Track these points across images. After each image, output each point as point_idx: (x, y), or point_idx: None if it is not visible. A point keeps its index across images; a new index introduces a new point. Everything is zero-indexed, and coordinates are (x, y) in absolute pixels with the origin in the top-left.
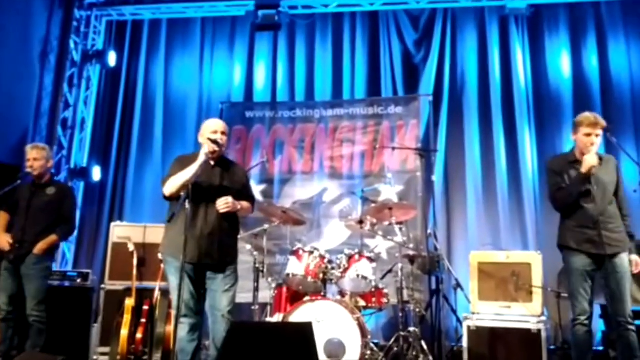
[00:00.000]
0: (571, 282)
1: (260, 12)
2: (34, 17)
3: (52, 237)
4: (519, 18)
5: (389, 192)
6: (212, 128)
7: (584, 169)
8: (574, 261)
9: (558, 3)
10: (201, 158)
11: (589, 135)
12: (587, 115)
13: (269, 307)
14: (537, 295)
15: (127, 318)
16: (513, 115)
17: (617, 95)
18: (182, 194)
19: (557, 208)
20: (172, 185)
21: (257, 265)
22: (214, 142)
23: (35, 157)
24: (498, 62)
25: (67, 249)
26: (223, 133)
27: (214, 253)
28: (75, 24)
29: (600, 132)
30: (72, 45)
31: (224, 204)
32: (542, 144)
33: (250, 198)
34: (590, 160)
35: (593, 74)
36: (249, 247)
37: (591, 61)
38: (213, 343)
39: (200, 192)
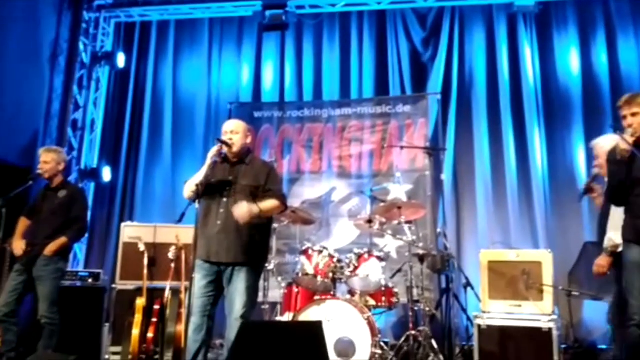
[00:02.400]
0: (625, 277)
1: (268, 12)
2: (43, 20)
3: (62, 239)
4: (527, 15)
5: (397, 191)
6: (223, 129)
7: (619, 155)
8: (628, 253)
9: (566, 0)
10: (208, 159)
11: (624, 117)
12: (624, 96)
13: (279, 306)
14: (548, 293)
15: (138, 318)
16: (522, 113)
17: (627, 92)
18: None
19: (611, 202)
20: (187, 187)
21: (267, 265)
22: (223, 142)
23: (45, 161)
24: (506, 60)
25: (79, 249)
26: (232, 132)
27: (223, 251)
28: (84, 25)
29: (634, 109)
30: (81, 47)
31: (238, 214)
32: (551, 142)
33: (274, 193)
34: (622, 145)
35: (603, 71)
36: None
37: (600, 58)
38: (227, 345)
39: (213, 191)
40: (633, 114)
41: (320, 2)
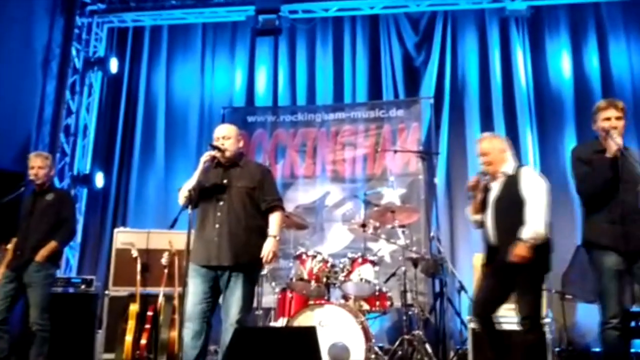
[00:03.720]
0: (602, 283)
1: (261, 17)
2: (35, 24)
3: (52, 244)
4: (519, 19)
5: (391, 195)
6: (215, 134)
7: (609, 152)
8: (605, 260)
9: (558, 4)
10: (200, 165)
11: (608, 119)
12: (601, 100)
13: (272, 312)
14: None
15: (131, 324)
16: (514, 116)
17: (618, 96)
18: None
19: (583, 200)
20: (181, 193)
21: (265, 267)
22: (214, 147)
23: (40, 166)
24: (499, 63)
25: (71, 255)
26: (224, 137)
27: (222, 256)
28: (76, 31)
29: (619, 114)
30: (73, 52)
31: (267, 260)
32: (544, 145)
33: (277, 204)
34: (614, 143)
35: (594, 75)
36: None
37: (592, 62)
38: (222, 351)
39: (209, 195)
40: (617, 117)
41: (313, 6)
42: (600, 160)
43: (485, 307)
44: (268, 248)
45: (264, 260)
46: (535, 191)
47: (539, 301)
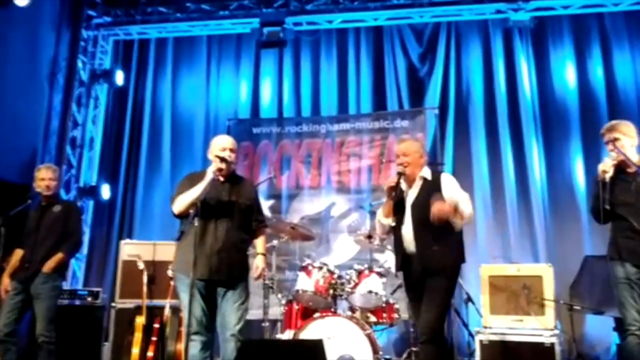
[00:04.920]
0: (618, 293)
1: (266, 30)
2: (41, 38)
3: (59, 255)
4: (523, 30)
5: None
6: (221, 145)
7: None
8: (618, 271)
9: (561, 15)
10: (208, 176)
11: (607, 143)
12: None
13: (279, 324)
14: (549, 308)
15: (137, 336)
16: (520, 127)
17: (623, 106)
18: (191, 211)
19: (596, 220)
20: (181, 203)
21: (266, 282)
22: (222, 159)
23: (51, 177)
24: (503, 74)
25: (78, 267)
26: (231, 150)
27: (223, 269)
28: (82, 43)
29: (607, 138)
30: (79, 65)
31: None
32: (549, 155)
33: (264, 225)
34: (601, 165)
35: (599, 85)
36: None
37: (596, 72)
38: None
39: (209, 209)
40: (605, 142)
41: (318, 18)
42: (595, 185)
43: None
44: (261, 265)
45: (255, 276)
46: (459, 189)
47: (445, 312)
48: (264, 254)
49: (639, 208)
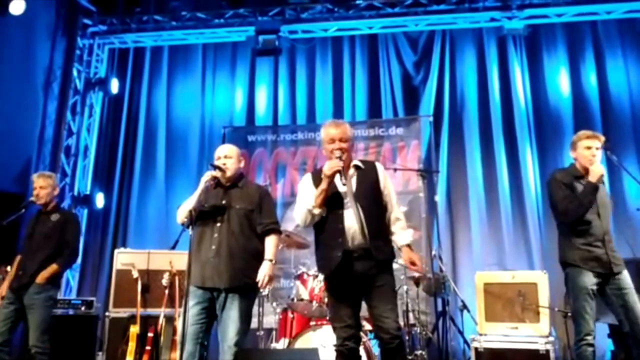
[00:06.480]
0: (578, 301)
1: (261, 38)
2: (37, 46)
3: (53, 266)
4: (517, 38)
5: None
6: (216, 154)
7: (593, 178)
8: (582, 280)
9: (555, 23)
10: (201, 184)
11: (589, 148)
12: (583, 131)
13: (274, 332)
14: (544, 315)
15: (132, 345)
16: (514, 134)
17: (617, 113)
18: (185, 219)
19: (568, 221)
20: (180, 213)
21: (261, 290)
22: (216, 167)
23: (42, 186)
24: (497, 81)
25: (71, 276)
26: (226, 157)
27: (219, 276)
28: (78, 52)
29: (599, 144)
30: (75, 73)
31: (263, 284)
32: (543, 162)
33: (274, 228)
34: (598, 169)
35: (592, 92)
36: None
37: (590, 79)
38: None
39: (206, 216)
40: (597, 148)
41: (313, 27)
42: (585, 187)
43: (355, 331)
44: (264, 272)
45: (259, 284)
46: (392, 188)
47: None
48: (270, 260)
49: (606, 214)
